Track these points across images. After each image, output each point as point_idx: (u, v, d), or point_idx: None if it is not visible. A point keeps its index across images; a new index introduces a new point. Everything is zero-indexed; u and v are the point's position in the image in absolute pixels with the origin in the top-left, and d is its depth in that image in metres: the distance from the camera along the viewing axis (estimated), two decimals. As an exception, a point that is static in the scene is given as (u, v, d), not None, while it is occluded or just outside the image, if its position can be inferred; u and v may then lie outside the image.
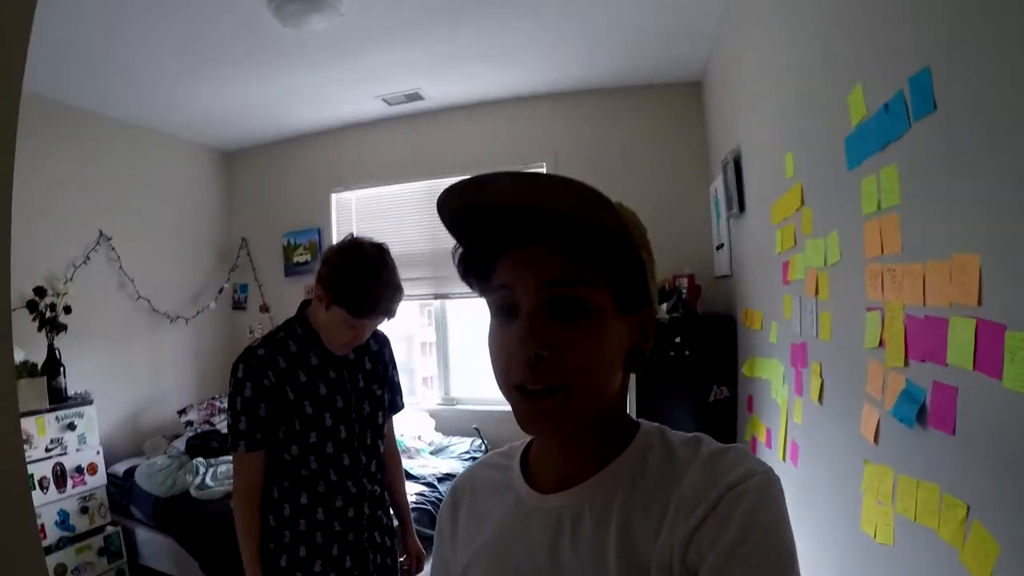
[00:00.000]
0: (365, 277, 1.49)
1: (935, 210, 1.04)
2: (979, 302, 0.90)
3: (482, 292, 0.67)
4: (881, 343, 1.28)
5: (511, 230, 0.62)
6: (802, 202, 1.82)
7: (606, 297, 0.61)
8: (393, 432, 1.91)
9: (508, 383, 0.62)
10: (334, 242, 1.63)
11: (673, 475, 0.60)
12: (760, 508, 0.54)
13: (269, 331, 1.67)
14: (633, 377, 0.68)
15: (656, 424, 0.68)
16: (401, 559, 1.88)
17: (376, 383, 1.72)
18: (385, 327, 1.70)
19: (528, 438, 0.74)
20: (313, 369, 1.59)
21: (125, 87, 3.44)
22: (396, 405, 1.86)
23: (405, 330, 5.06)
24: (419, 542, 1.93)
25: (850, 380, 1.47)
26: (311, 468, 1.57)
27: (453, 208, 0.62)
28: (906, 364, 1.16)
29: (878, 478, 1.29)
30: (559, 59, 3.50)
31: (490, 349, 0.64)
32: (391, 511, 1.84)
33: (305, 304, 1.67)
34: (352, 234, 1.62)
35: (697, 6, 2.88)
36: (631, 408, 2.77)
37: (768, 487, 0.55)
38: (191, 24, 2.78)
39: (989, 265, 0.88)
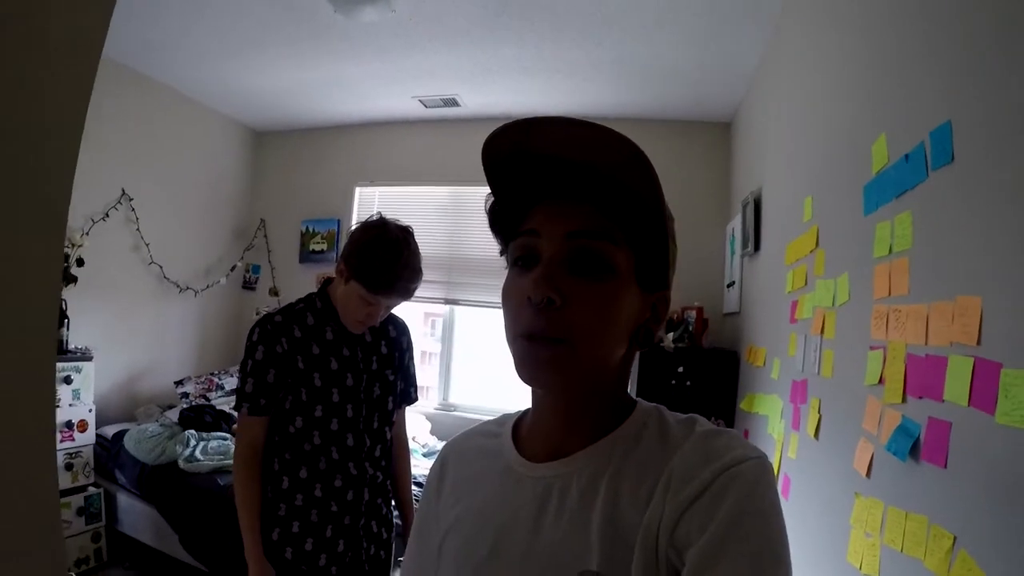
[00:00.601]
0: (385, 255, 1.50)
1: (944, 255, 1.11)
2: (978, 342, 0.96)
3: (505, 242, 0.66)
4: (881, 380, 1.33)
5: (550, 181, 0.61)
6: (816, 244, 1.88)
7: (629, 263, 0.61)
8: (404, 424, 1.89)
9: (515, 330, 0.61)
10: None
11: (666, 451, 0.59)
12: (754, 493, 0.53)
13: (290, 303, 1.69)
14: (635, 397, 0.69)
15: (654, 404, 0.68)
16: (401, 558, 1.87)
17: (390, 368, 1.71)
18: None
19: (521, 409, 0.74)
20: (327, 343, 1.60)
21: (170, 52, 3.47)
22: (409, 396, 1.84)
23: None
24: None
25: (847, 416, 1.52)
26: (314, 443, 1.57)
27: (498, 151, 0.61)
28: (903, 400, 1.21)
29: (868, 510, 1.33)
30: (595, 85, 3.58)
31: (503, 299, 0.64)
32: (392, 504, 1.81)
33: (328, 281, 1.69)
34: (380, 213, 1.63)
35: (738, 49, 2.96)
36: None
37: (762, 473, 0.55)
38: (246, 2, 2.84)
39: (990, 307, 0.94)
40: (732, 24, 2.73)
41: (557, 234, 0.60)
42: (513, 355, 0.61)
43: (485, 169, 0.64)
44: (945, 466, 1.04)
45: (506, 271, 0.67)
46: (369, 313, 1.58)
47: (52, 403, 0.82)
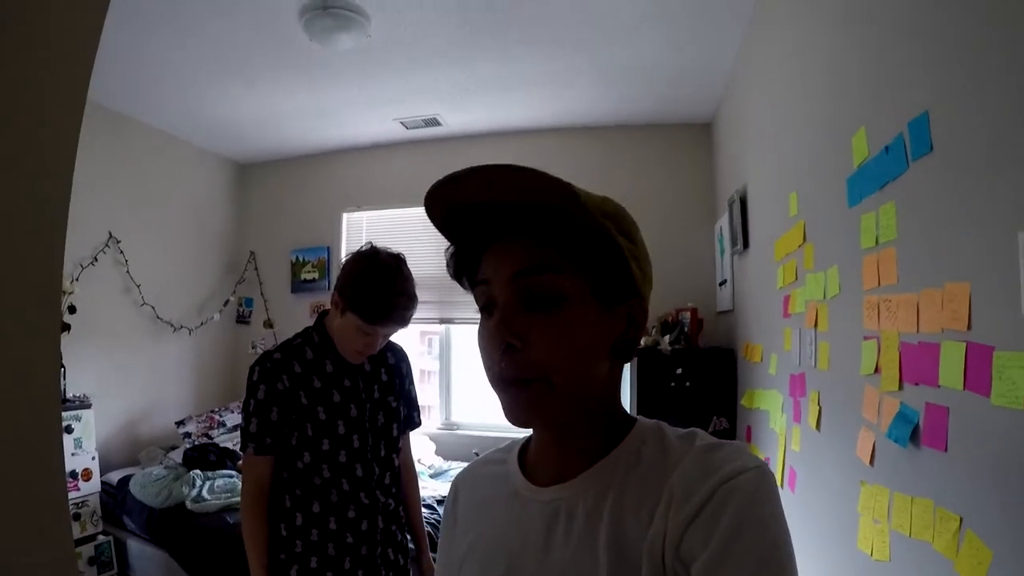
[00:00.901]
0: (380, 284, 1.52)
1: (930, 243, 1.13)
2: (968, 327, 0.98)
3: (471, 288, 0.68)
4: (877, 369, 1.35)
5: (491, 225, 0.63)
6: (804, 239, 1.91)
7: (580, 286, 0.61)
8: (410, 450, 1.90)
9: (491, 377, 0.62)
10: (343, 262, 1.65)
11: (667, 467, 0.60)
12: (755, 504, 0.53)
13: (287, 339, 1.70)
14: (635, 403, 0.70)
15: (655, 420, 0.68)
16: None
17: (392, 395, 1.72)
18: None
19: (526, 434, 0.74)
20: (328, 376, 1.61)
21: (149, 89, 3.47)
22: (412, 421, 1.84)
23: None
24: (433, 561, 1.89)
25: (847, 406, 1.54)
26: (323, 477, 1.57)
27: (438, 210, 0.64)
28: (900, 388, 1.23)
29: (874, 498, 1.35)
30: (574, 94, 3.62)
31: (478, 347, 0.65)
32: (405, 530, 1.81)
33: (324, 314, 1.70)
34: (371, 243, 1.64)
35: (712, 50, 3.01)
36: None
37: (763, 482, 0.55)
38: (222, 33, 2.84)
39: (978, 292, 0.97)
40: (707, 24, 2.77)
41: (504, 278, 0.61)
42: (499, 400, 0.63)
43: (434, 223, 0.66)
44: (946, 450, 1.05)
45: None
46: (367, 343, 1.59)
47: (61, 453, 0.83)
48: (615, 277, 0.62)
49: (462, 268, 0.69)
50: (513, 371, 0.59)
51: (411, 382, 1.85)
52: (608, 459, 0.64)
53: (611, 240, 0.60)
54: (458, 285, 0.72)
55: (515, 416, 0.61)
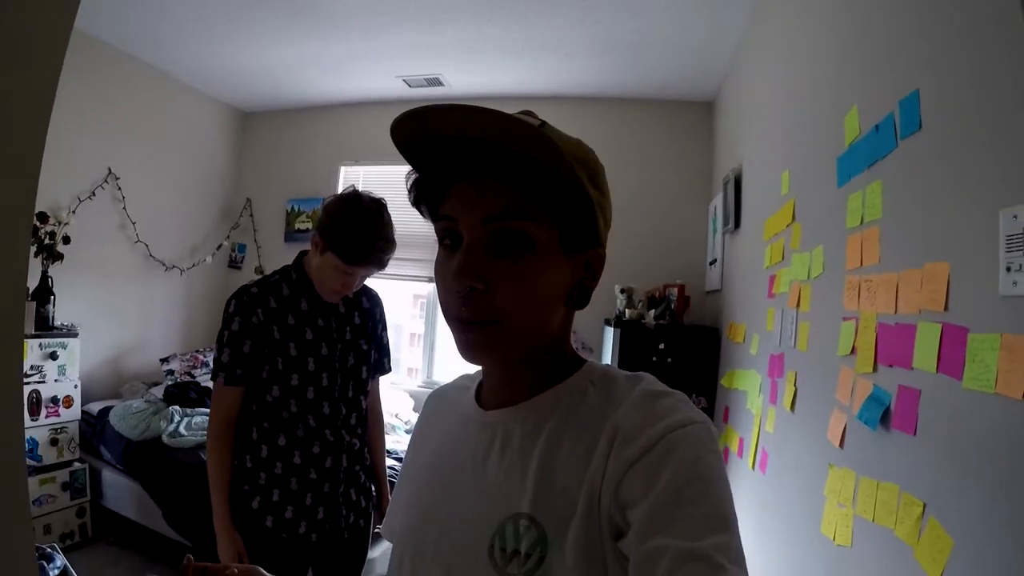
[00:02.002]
0: (360, 226, 1.53)
1: (913, 222, 1.10)
2: (946, 307, 0.96)
3: (432, 219, 0.67)
4: (853, 350, 1.33)
5: (461, 162, 0.62)
6: (793, 218, 1.88)
7: (550, 235, 0.60)
8: (379, 396, 1.92)
9: (447, 314, 0.62)
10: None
11: (608, 405, 0.60)
12: (701, 457, 0.53)
13: (265, 275, 1.72)
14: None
15: (605, 364, 0.69)
16: (377, 528, 1.89)
17: (363, 338, 1.74)
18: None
19: None
20: (302, 314, 1.63)
21: (157, 31, 3.44)
22: (383, 366, 1.87)
23: (395, 319, 5.08)
24: None
25: (822, 387, 1.53)
26: (291, 411, 1.60)
27: (407, 135, 0.62)
28: (874, 370, 1.22)
29: (841, 481, 1.34)
30: (579, 63, 3.54)
31: (435, 276, 0.65)
32: (369, 473, 1.83)
33: (303, 254, 1.71)
34: (354, 186, 1.65)
35: (719, 27, 2.93)
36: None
37: (709, 438, 0.55)
38: None
39: (957, 272, 0.94)
40: (714, 2, 2.70)
41: (475, 221, 0.60)
42: (453, 336, 0.63)
43: (399, 149, 0.65)
44: (915, 433, 1.04)
45: None
46: (345, 283, 1.61)
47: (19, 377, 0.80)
48: (582, 226, 0.62)
49: (422, 197, 0.67)
50: (471, 313, 0.59)
51: (384, 328, 1.87)
52: (550, 392, 0.65)
53: (582, 191, 0.60)
54: None
55: (468, 355, 0.62)
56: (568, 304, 0.65)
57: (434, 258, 0.65)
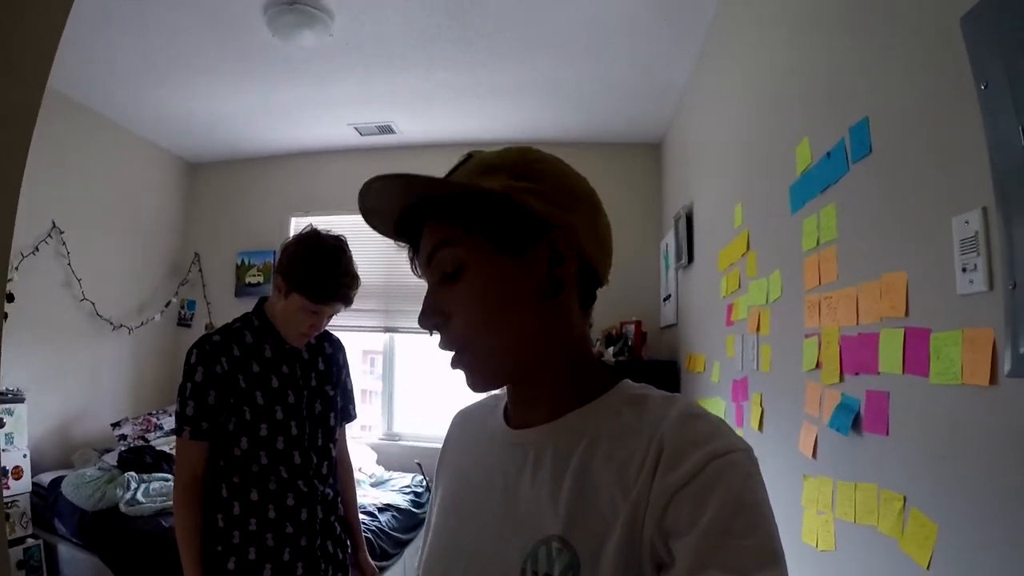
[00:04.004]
0: (324, 263, 1.54)
1: (868, 239, 1.20)
2: (906, 313, 1.04)
3: None
4: (818, 365, 1.41)
5: (418, 221, 0.66)
6: (748, 247, 1.98)
7: (480, 245, 0.61)
8: (346, 445, 1.88)
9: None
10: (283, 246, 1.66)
11: (645, 425, 0.58)
12: (747, 486, 0.51)
13: (226, 323, 1.68)
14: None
15: (639, 384, 0.66)
16: None
17: (329, 384, 1.72)
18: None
19: None
20: (266, 361, 1.59)
21: (104, 78, 3.37)
22: (348, 413, 1.85)
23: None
24: (371, 559, 1.87)
25: (789, 404, 1.59)
26: (261, 464, 1.54)
27: (378, 225, 0.69)
28: (841, 380, 1.29)
29: (817, 489, 1.39)
30: (528, 108, 3.68)
31: None
32: (344, 524, 1.79)
33: (263, 300, 1.69)
34: (311, 225, 1.65)
35: (664, 71, 3.12)
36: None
37: (752, 465, 0.53)
38: (182, 24, 2.79)
39: (915, 279, 1.03)
40: (661, 45, 2.87)
41: (423, 265, 0.66)
42: None
43: (389, 236, 0.71)
44: (887, 433, 1.10)
45: None
46: (313, 323, 1.60)
47: None
48: (510, 224, 0.61)
49: (413, 263, 0.71)
50: (445, 346, 0.63)
51: (347, 374, 1.85)
52: (584, 409, 0.63)
53: (490, 193, 0.61)
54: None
55: (468, 384, 0.64)
56: (544, 302, 0.62)
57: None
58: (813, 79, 1.51)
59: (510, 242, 0.61)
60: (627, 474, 0.55)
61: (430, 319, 0.63)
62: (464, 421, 0.81)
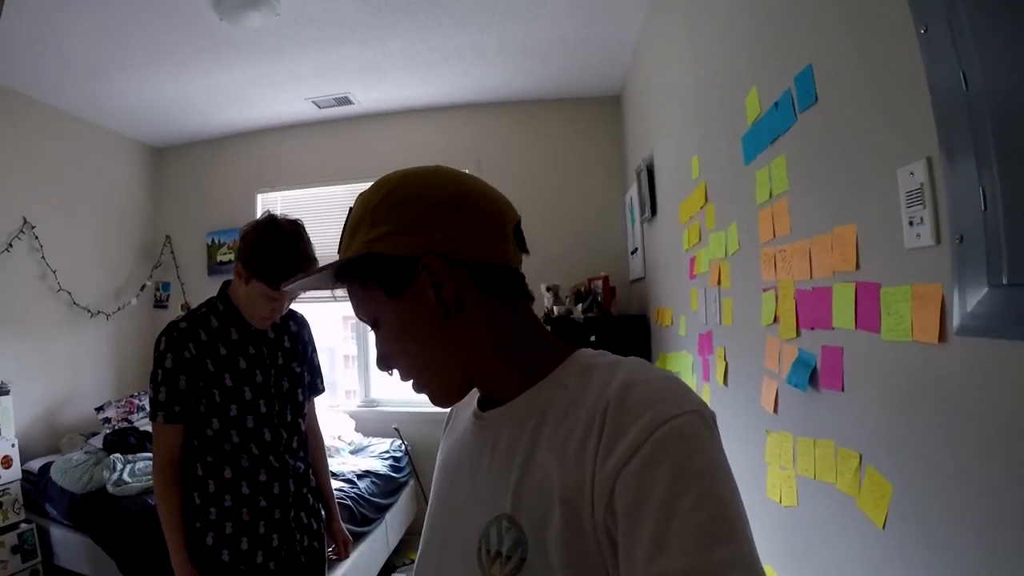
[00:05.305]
0: (281, 250, 1.55)
1: (818, 190, 1.16)
2: (857, 266, 1.02)
3: None
4: (776, 319, 1.39)
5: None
6: (706, 199, 1.95)
7: (377, 297, 0.65)
8: (316, 418, 1.93)
9: None
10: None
11: (587, 395, 0.57)
12: (694, 452, 0.49)
13: (191, 309, 1.70)
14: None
15: (594, 351, 0.65)
16: (329, 549, 1.89)
17: (295, 361, 1.75)
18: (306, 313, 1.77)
19: None
20: (233, 343, 1.63)
21: (59, 73, 3.33)
22: (316, 388, 1.88)
23: (328, 343, 4.93)
24: (345, 528, 1.93)
25: (751, 358, 1.58)
26: (233, 442, 1.60)
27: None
28: (798, 335, 1.27)
29: (779, 445, 1.39)
30: (485, 71, 3.58)
31: None
32: (317, 495, 1.84)
33: (227, 284, 1.70)
34: (268, 211, 1.66)
35: (614, 25, 3.03)
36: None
37: (701, 428, 0.51)
38: (130, 13, 2.72)
39: (864, 232, 1.00)
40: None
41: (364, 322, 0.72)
42: None
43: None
44: (842, 389, 1.09)
45: None
46: (275, 308, 1.62)
47: None
48: (386, 272, 0.63)
49: None
50: (403, 379, 0.69)
51: (314, 349, 1.88)
52: (535, 388, 0.63)
53: (353, 256, 0.64)
54: None
55: (432, 404, 0.70)
56: (449, 320, 0.62)
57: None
58: (758, 26, 1.44)
59: (395, 286, 0.63)
60: (568, 449, 0.55)
61: (381, 364, 0.69)
62: (455, 409, 0.82)
